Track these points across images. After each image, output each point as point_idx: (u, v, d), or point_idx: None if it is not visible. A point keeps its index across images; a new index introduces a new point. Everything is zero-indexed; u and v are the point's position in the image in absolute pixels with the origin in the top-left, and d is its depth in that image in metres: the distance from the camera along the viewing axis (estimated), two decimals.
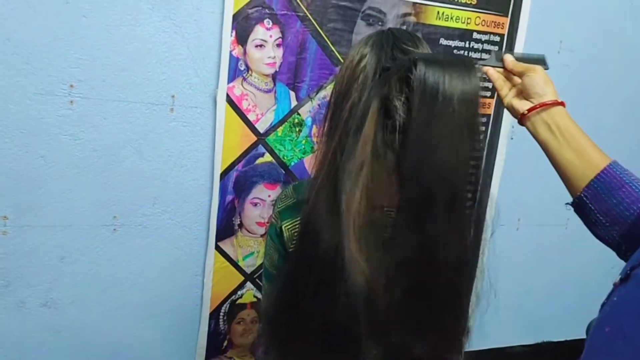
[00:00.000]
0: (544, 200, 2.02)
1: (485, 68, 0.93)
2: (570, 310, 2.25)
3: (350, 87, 0.81)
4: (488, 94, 1.76)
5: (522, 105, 0.87)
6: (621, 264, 0.75)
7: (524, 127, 0.89)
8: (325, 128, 0.85)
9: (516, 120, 0.90)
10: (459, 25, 1.67)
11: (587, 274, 2.25)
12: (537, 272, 2.18)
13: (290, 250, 0.91)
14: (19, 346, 1.46)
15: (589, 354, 0.62)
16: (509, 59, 0.91)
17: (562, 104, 0.85)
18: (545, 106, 0.84)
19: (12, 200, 1.35)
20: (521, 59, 0.91)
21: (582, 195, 0.78)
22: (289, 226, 0.91)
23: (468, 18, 1.68)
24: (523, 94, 0.88)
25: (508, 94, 0.92)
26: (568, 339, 2.29)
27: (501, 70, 0.92)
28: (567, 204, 0.82)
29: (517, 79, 0.90)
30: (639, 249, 0.64)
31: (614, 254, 0.78)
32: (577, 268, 2.23)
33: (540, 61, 0.91)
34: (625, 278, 0.61)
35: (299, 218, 0.89)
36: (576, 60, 1.94)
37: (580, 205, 0.80)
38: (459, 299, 0.83)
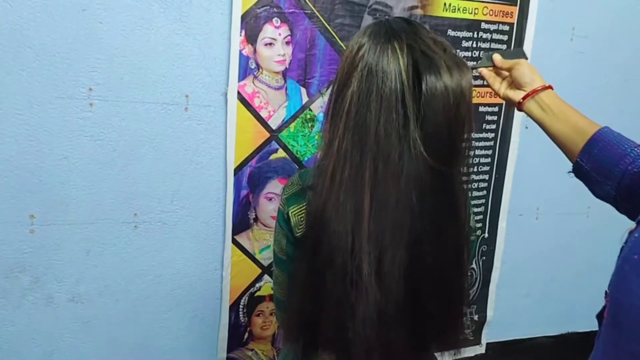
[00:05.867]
0: (563, 189, 1.99)
1: (480, 69, 1.08)
2: (596, 300, 2.20)
3: (350, 76, 0.84)
4: None
5: (517, 95, 0.99)
6: None
7: None
8: (329, 116, 0.89)
9: None
10: (467, 16, 1.68)
11: (612, 263, 2.20)
12: (560, 261, 2.16)
13: (298, 235, 0.94)
14: (50, 338, 1.54)
15: (621, 279, 0.65)
16: (497, 58, 1.04)
17: (550, 87, 0.97)
18: (535, 92, 0.97)
19: (38, 198, 1.43)
20: (504, 54, 1.04)
21: (578, 159, 0.88)
22: (296, 211, 0.94)
23: (475, 8, 1.69)
24: (514, 84, 1.01)
25: (500, 88, 1.04)
26: (594, 329, 2.25)
27: (491, 68, 1.06)
28: (569, 172, 0.92)
29: (505, 73, 1.04)
30: None
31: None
32: (600, 257, 2.18)
33: (521, 53, 1.04)
34: None
35: (304, 203, 0.93)
36: (591, 46, 1.92)
37: (579, 169, 0.90)
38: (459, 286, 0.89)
